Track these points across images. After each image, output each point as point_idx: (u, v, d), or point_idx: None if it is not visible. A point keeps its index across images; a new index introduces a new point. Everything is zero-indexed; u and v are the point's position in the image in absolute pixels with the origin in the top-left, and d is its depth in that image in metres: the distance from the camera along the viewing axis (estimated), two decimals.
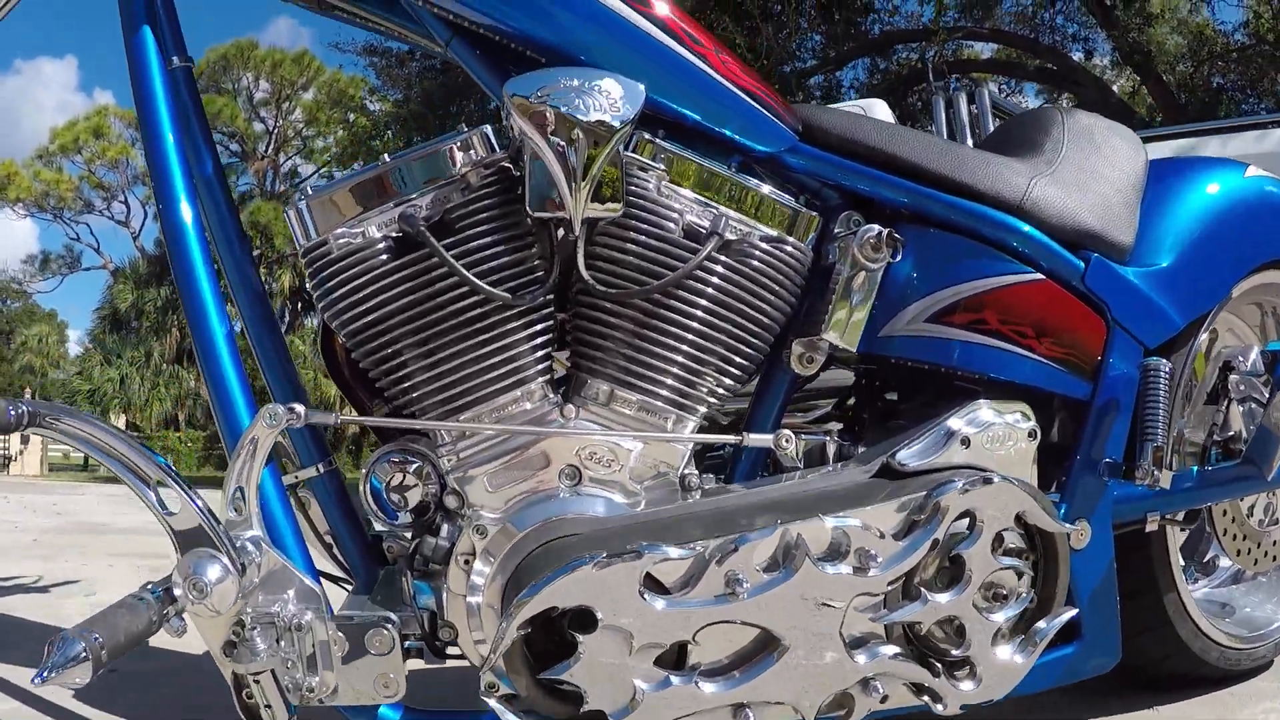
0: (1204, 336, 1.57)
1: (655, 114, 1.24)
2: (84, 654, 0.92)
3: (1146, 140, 4.23)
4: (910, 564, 1.15)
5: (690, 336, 1.20)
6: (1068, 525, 1.27)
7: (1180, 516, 1.55)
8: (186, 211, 1.32)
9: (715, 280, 1.21)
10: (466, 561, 1.19)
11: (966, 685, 1.20)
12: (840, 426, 1.45)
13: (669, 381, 1.20)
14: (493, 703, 1.11)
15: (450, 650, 1.25)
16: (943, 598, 1.17)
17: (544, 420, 1.20)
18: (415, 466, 1.21)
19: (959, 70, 12.38)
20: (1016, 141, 1.52)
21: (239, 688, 1.15)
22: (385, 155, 1.22)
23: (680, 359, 1.20)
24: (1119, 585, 1.42)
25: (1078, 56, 13.15)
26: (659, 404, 1.20)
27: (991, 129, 5.59)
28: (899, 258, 1.27)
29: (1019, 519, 1.21)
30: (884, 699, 1.16)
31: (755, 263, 1.23)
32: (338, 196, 1.20)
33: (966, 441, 1.25)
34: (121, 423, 28.36)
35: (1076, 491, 1.38)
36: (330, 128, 28.04)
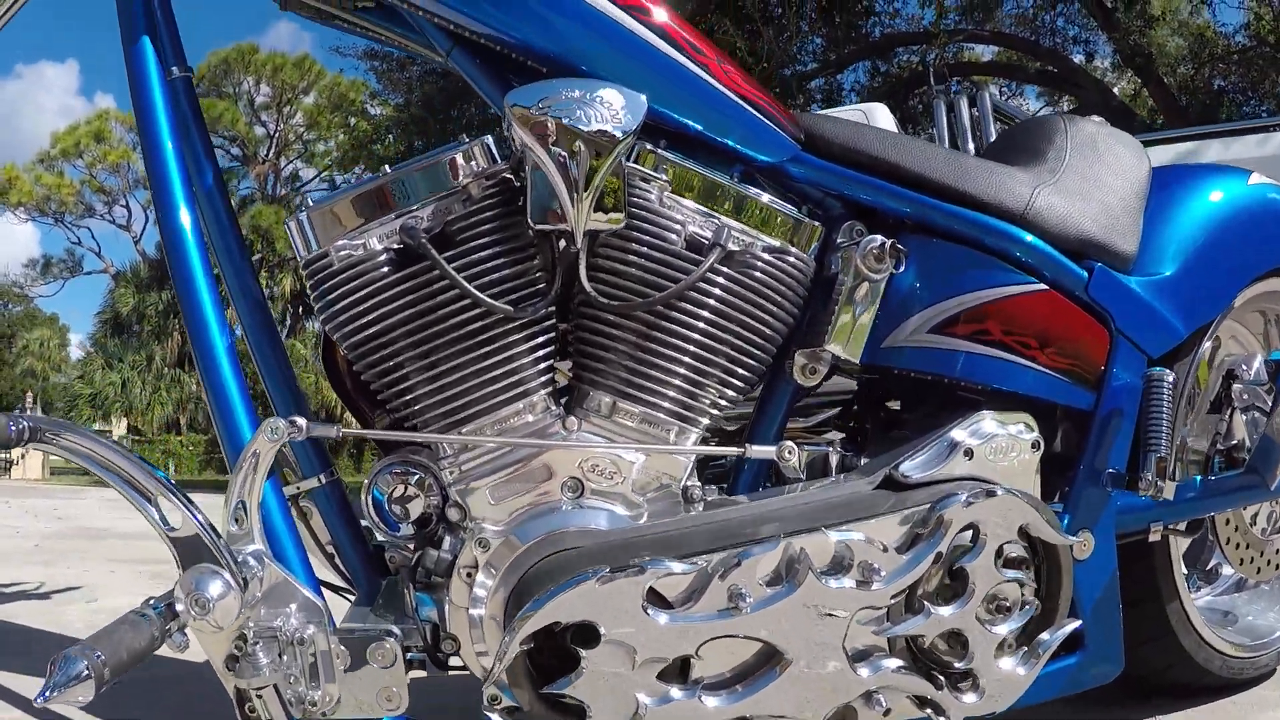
0: (1207, 345, 1.56)
1: (657, 124, 1.24)
2: (86, 672, 0.91)
3: (1148, 144, 4.23)
4: (913, 577, 1.14)
5: (692, 348, 1.20)
6: (1071, 537, 1.26)
7: (1183, 526, 1.54)
8: (186, 221, 1.31)
9: (718, 292, 1.20)
10: (469, 574, 1.18)
11: (969, 697, 1.19)
12: (842, 436, 1.45)
13: (671, 393, 1.20)
14: (495, 717, 1.11)
15: (452, 661, 1.24)
16: (946, 611, 1.16)
17: (546, 432, 1.20)
18: (417, 478, 1.21)
19: (960, 73, 12.38)
20: (1019, 150, 1.52)
21: (241, 702, 1.15)
22: (386, 166, 1.22)
23: (682, 371, 1.20)
24: (1121, 594, 1.42)
25: (1079, 59, 13.18)
26: (661, 416, 1.20)
27: (993, 132, 5.59)
28: (902, 269, 1.27)
29: (1022, 531, 1.21)
30: (887, 712, 1.16)
31: (758, 274, 1.22)
32: (338, 208, 1.19)
33: (970, 453, 1.24)
34: (123, 427, 28.45)
35: (1079, 502, 1.37)
36: (331, 132, 28.05)
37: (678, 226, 1.20)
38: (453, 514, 1.20)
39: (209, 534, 1.08)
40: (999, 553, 1.19)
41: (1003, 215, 1.34)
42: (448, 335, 1.16)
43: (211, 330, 1.29)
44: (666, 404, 1.20)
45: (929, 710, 1.19)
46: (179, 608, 1.04)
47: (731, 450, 1.25)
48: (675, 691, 1.09)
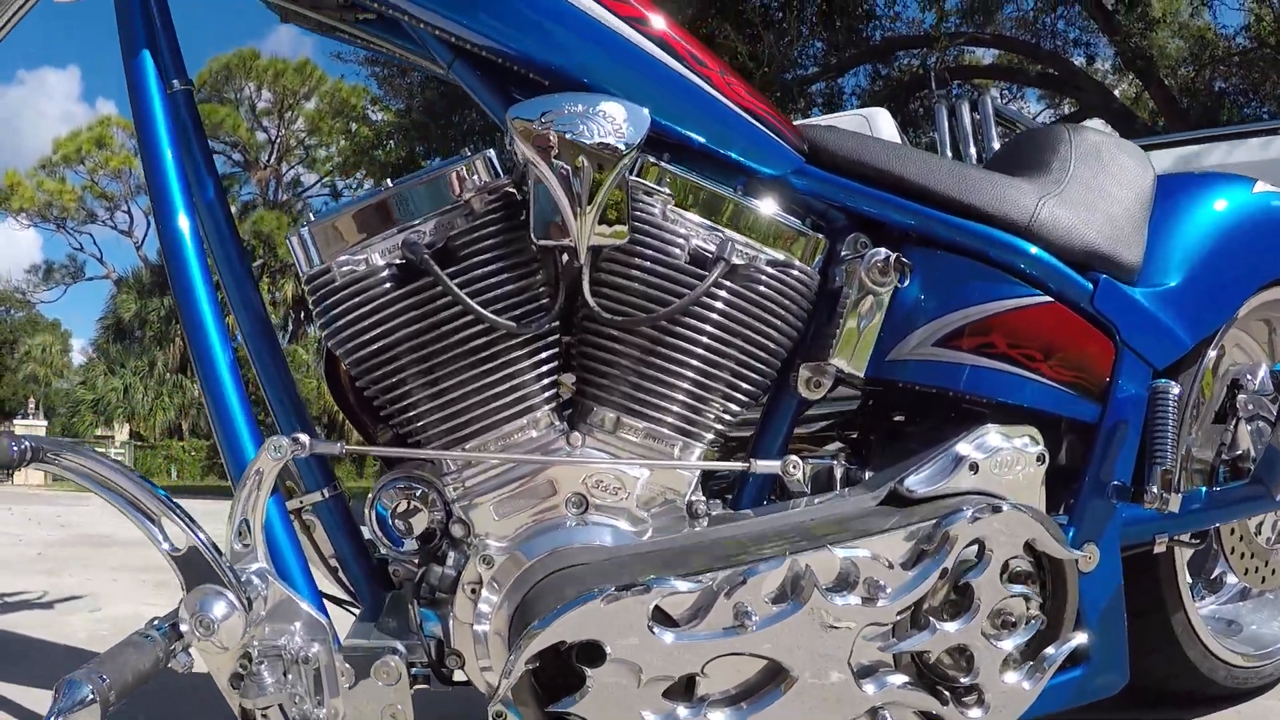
0: (1212, 354, 1.56)
1: (660, 136, 1.23)
2: (91, 696, 0.91)
3: (1150, 148, 4.23)
4: (919, 594, 1.14)
5: (696, 363, 1.19)
6: (1076, 551, 1.26)
7: (1188, 538, 1.54)
8: (187, 234, 1.30)
9: (722, 306, 1.20)
10: (473, 590, 1.18)
11: (975, 713, 1.19)
12: (847, 449, 1.44)
13: (675, 408, 1.19)
14: None
15: (456, 676, 1.24)
16: (951, 627, 1.16)
17: (550, 448, 1.19)
18: (420, 494, 1.21)
19: (961, 76, 12.40)
20: (1024, 160, 1.52)
21: None
22: (388, 180, 1.21)
23: (686, 386, 1.19)
24: (1126, 605, 1.41)
25: (1079, 61, 13.17)
26: (665, 431, 1.20)
27: (994, 136, 5.59)
28: (906, 283, 1.27)
29: (1028, 546, 1.20)
30: None
31: (762, 288, 1.22)
32: (340, 223, 1.19)
33: (975, 467, 1.24)
34: (125, 432, 28.46)
35: (1085, 514, 1.37)
36: (332, 137, 28.09)
37: (681, 240, 1.20)
38: (456, 530, 1.19)
39: (213, 554, 1.08)
40: (1004, 568, 1.18)
41: (1007, 227, 1.33)
42: (450, 351, 1.16)
43: (214, 345, 1.28)
44: (670, 419, 1.20)
45: None
46: (183, 628, 1.04)
47: (736, 465, 1.25)
48: (681, 710, 1.08)
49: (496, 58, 1.25)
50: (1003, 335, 1.31)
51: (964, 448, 1.25)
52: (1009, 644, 1.19)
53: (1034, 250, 1.34)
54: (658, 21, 1.25)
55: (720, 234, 1.21)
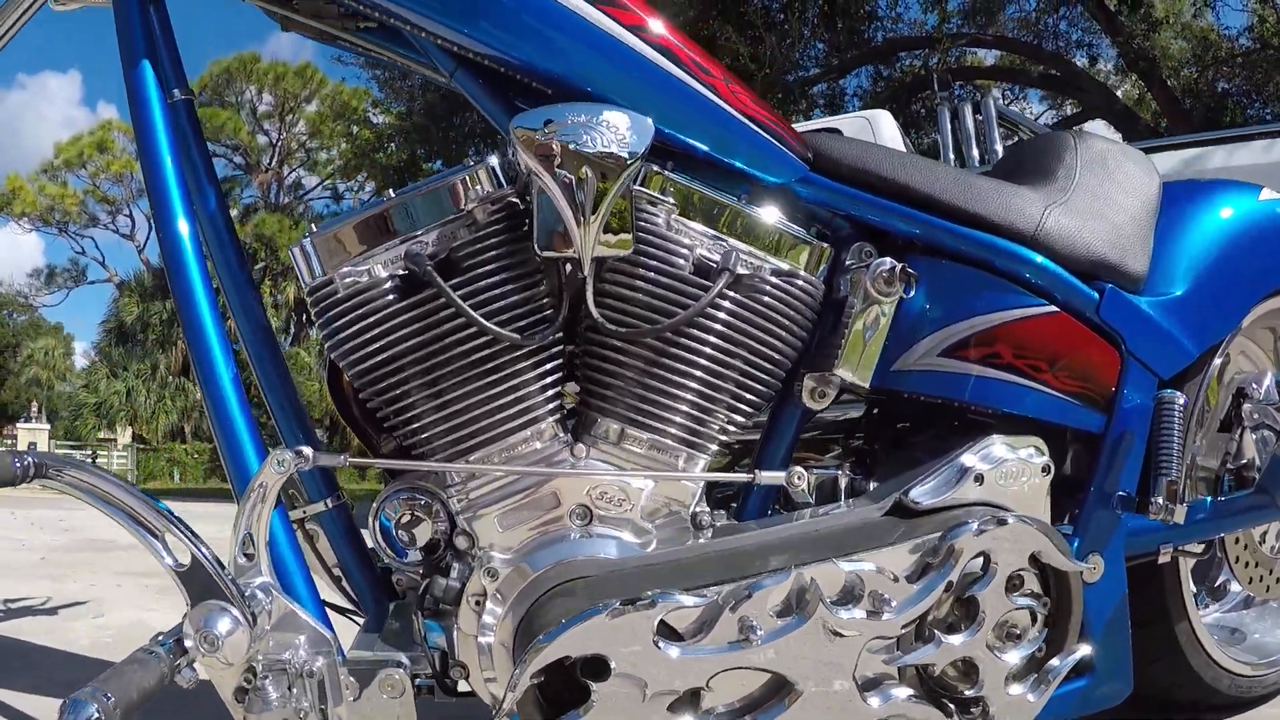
0: (1217, 363, 1.55)
1: (664, 145, 1.23)
2: (97, 715, 0.90)
3: (1153, 150, 4.21)
4: (924, 607, 1.13)
5: (700, 374, 1.19)
6: (1081, 563, 1.25)
7: (1193, 548, 1.53)
8: (188, 244, 1.30)
9: (726, 316, 1.19)
10: (478, 602, 1.17)
11: None
12: (851, 459, 1.44)
13: (679, 420, 1.19)
14: None
15: (460, 687, 1.24)
16: (956, 640, 1.15)
17: (554, 460, 1.19)
18: (424, 505, 1.20)
19: (962, 77, 12.40)
20: (1029, 168, 1.51)
21: None
22: (390, 191, 1.21)
23: (691, 397, 1.19)
24: (1130, 614, 1.41)
25: (1082, 63, 13.16)
26: (669, 442, 1.19)
27: (997, 138, 5.58)
28: (912, 293, 1.26)
29: (1033, 558, 1.20)
30: None
31: (766, 298, 1.21)
32: (342, 234, 1.18)
33: (980, 478, 1.24)
34: (128, 435, 28.48)
35: (1090, 525, 1.36)
36: (334, 140, 28.12)
37: (685, 251, 1.19)
38: (461, 541, 1.19)
39: (216, 569, 1.08)
40: (1009, 580, 1.18)
41: (1013, 236, 1.33)
42: (454, 363, 1.16)
43: (216, 358, 1.27)
44: (674, 430, 1.19)
45: None
46: (188, 644, 1.04)
47: (741, 476, 1.24)
48: None
49: (499, 66, 1.24)
50: (1008, 345, 1.30)
51: (969, 459, 1.25)
52: (1014, 656, 1.19)
53: (1040, 260, 1.33)
54: (661, 29, 1.24)
55: (724, 243, 1.20)
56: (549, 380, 1.19)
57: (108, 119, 32.22)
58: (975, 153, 5.64)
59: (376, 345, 1.16)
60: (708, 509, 1.22)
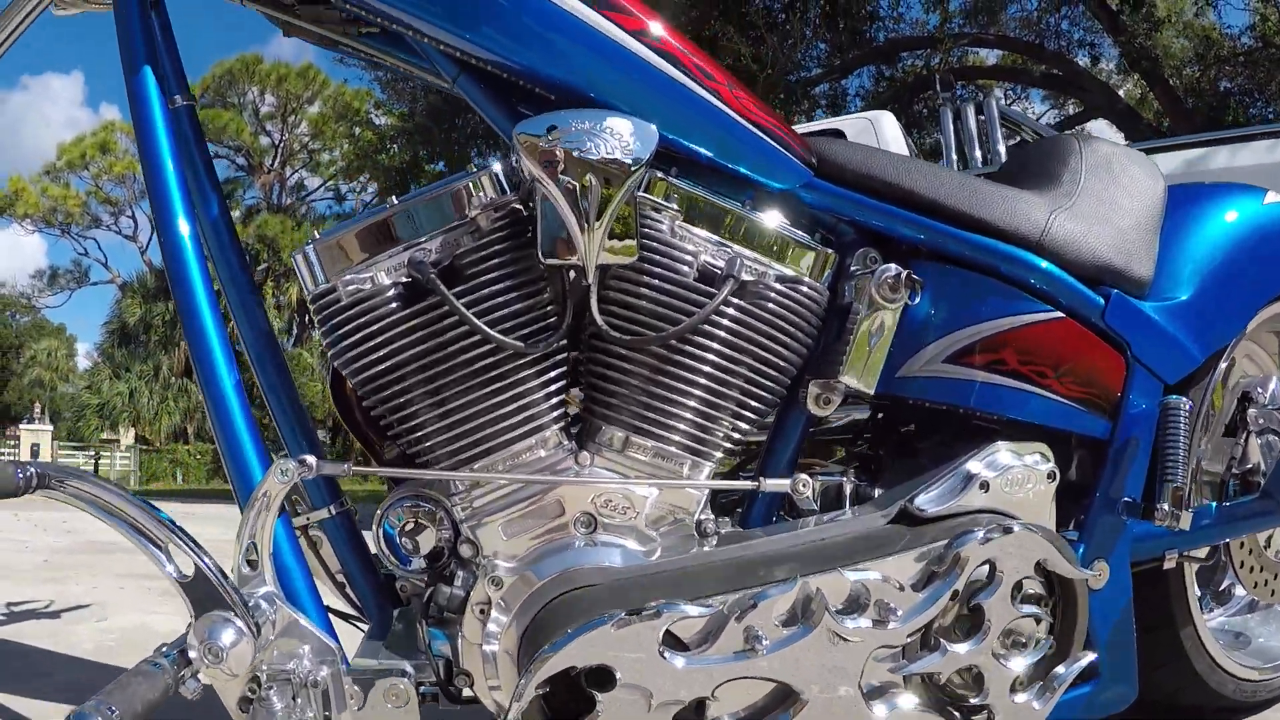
0: (1223, 367, 1.55)
1: (668, 151, 1.22)
2: None
3: (1155, 151, 4.20)
4: (930, 615, 1.13)
5: (705, 381, 1.18)
6: (1087, 571, 1.25)
7: (1199, 553, 1.53)
8: (190, 250, 1.30)
9: (730, 323, 1.19)
10: (482, 611, 1.17)
11: None
12: (856, 465, 1.43)
13: (684, 427, 1.18)
14: None
15: (465, 694, 1.23)
16: (962, 648, 1.15)
17: (558, 468, 1.18)
18: (428, 513, 1.20)
19: (964, 77, 12.39)
20: (1034, 172, 1.50)
21: None
22: (393, 197, 1.20)
23: (695, 404, 1.18)
24: (1135, 620, 1.40)
25: (1084, 62, 13.14)
26: (674, 450, 1.19)
27: (999, 138, 5.58)
28: (917, 300, 1.25)
29: (1039, 566, 1.20)
30: None
31: (771, 304, 1.21)
32: (345, 241, 1.17)
33: (985, 485, 1.23)
34: (130, 436, 28.51)
35: (1095, 531, 1.36)
36: (336, 141, 28.14)
37: (690, 257, 1.19)
38: (465, 550, 1.19)
39: (219, 579, 1.07)
40: (1015, 588, 1.18)
41: (1018, 242, 1.32)
42: (457, 371, 1.15)
43: (218, 362, 1.27)
44: (679, 438, 1.19)
45: None
46: (192, 655, 1.04)
47: (746, 484, 1.24)
48: None
49: (502, 72, 1.24)
50: (1014, 351, 1.30)
51: (974, 466, 1.25)
52: (1019, 664, 1.19)
53: (1045, 265, 1.32)
54: (664, 33, 1.23)
55: (729, 250, 1.20)
56: (553, 388, 1.18)
57: (110, 120, 32.30)
58: (978, 153, 5.64)
59: (380, 353, 1.16)
60: (713, 516, 1.22)
